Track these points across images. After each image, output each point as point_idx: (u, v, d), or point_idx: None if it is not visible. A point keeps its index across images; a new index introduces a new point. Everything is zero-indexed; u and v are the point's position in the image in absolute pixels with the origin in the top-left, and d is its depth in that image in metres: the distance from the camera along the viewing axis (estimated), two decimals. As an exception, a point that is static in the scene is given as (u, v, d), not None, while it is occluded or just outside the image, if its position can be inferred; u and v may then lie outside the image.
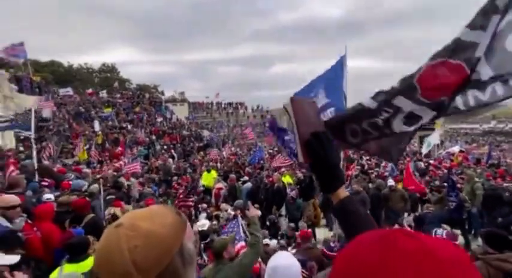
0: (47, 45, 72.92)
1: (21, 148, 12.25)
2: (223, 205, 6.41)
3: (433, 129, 14.77)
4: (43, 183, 5.59)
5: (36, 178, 5.72)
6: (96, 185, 6.28)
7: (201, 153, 19.24)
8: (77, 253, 2.69)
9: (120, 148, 14.36)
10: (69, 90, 22.24)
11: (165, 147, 18.32)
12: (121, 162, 10.33)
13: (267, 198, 7.14)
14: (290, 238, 5.15)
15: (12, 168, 6.14)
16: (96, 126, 17.19)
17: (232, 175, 8.51)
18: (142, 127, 20.60)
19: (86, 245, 2.82)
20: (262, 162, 13.30)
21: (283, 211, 7.23)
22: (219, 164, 13.72)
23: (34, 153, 6.29)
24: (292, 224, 5.70)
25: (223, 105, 34.30)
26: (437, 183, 8.39)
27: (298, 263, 1.74)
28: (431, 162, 13.45)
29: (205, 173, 9.78)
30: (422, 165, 12.45)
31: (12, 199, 3.10)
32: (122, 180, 8.03)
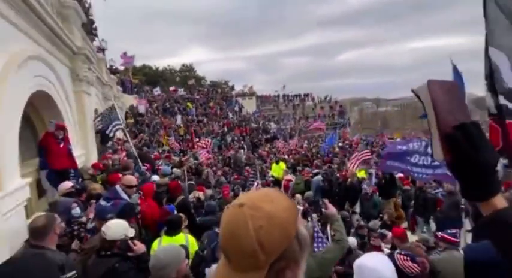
0: (139, 51, 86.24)
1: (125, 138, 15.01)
2: (297, 196, 6.47)
3: None
4: (143, 167, 6.82)
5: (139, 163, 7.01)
6: (178, 170, 7.30)
7: (268, 144, 19.82)
8: (174, 228, 3.22)
9: (197, 139, 16.08)
10: (158, 90, 25.93)
11: (235, 138, 19.61)
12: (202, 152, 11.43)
13: (339, 193, 6.89)
14: (363, 237, 4.91)
15: (123, 153, 7.65)
16: (178, 119, 19.61)
17: (307, 169, 8.51)
18: (216, 120, 22.46)
19: (181, 222, 3.35)
20: (331, 155, 12.85)
21: (357, 208, 6.86)
22: (285, 156, 13.91)
23: (131, 143, 7.61)
24: (362, 223, 5.39)
25: (289, 97, 34.18)
26: None
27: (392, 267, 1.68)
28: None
29: (274, 164, 10.07)
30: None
31: (132, 179, 3.85)
32: (202, 167, 9.05)
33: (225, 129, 20.75)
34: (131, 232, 2.45)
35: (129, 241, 2.36)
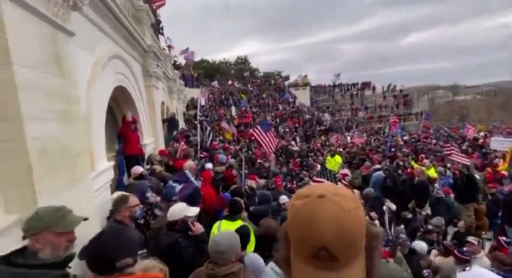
0: (197, 47, 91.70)
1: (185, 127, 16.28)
2: (355, 192, 6.10)
3: None
4: (201, 156, 7.32)
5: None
6: (233, 159, 7.59)
7: (322, 137, 19.11)
8: (236, 212, 3.35)
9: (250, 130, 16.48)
10: (215, 83, 27.35)
11: (287, 130, 19.45)
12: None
13: (404, 192, 6.24)
14: (432, 243, 4.38)
15: (182, 142, 8.36)
16: (233, 110, 20.36)
17: (367, 163, 7.96)
18: (268, 111, 22.60)
19: (241, 206, 3.47)
20: (393, 149, 11.68)
21: (426, 210, 6.09)
22: (340, 149, 13.20)
23: (198, 136, 8.17)
24: (431, 227, 4.78)
25: (346, 87, 32.07)
26: None
27: None
28: None
29: (328, 157, 9.67)
30: None
31: (193, 163, 4.24)
32: (254, 158, 9.26)
33: (277, 120, 20.74)
34: (192, 211, 2.66)
35: (189, 222, 2.56)
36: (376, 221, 4.99)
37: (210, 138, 8.80)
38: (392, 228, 4.27)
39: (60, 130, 2.28)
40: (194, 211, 2.77)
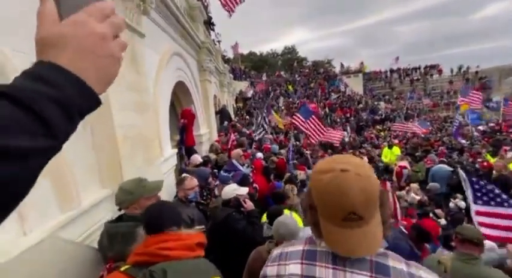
0: (245, 40, 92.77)
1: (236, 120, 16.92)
2: (412, 186, 5.63)
3: None
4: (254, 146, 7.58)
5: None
6: (281, 150, 7.65)
7: (377, 127, 17.78)
8: (279, 201, 3.49)
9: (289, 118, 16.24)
10: (263, 75, 27.62)
11: (338, 120, 18.61)
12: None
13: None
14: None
15: (233, 135, 8.76)
16: (280, 102, 20.34)
17: (431, 155, 7.23)
18: (317, 101, 21.91)
19: (284, 196, 3.58)
20: (464, 140, 10.25)
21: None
22: (396, 140, 12.11)
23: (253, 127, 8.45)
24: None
25: (406, 72, 28.88)
26: None
27: None
28: None
29: (385, 149, 9.01)
30: None
31: (240, 152, 4.50)
32: (303, 149, 9.18)
33: (327, 110, 19.99)
34: (242, 191, 2.90)
35: (241, 200, 2.82)
36: (443, 220, 4.53)
37: (261, 130, 8.97)
38: None
39: (137, 118, 2.67)
40: (244, 190, 3.01)
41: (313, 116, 8.02)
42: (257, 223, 2.71)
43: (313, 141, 8.37)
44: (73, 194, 1.85)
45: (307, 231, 2.26)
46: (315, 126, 7.86)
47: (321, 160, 0.87)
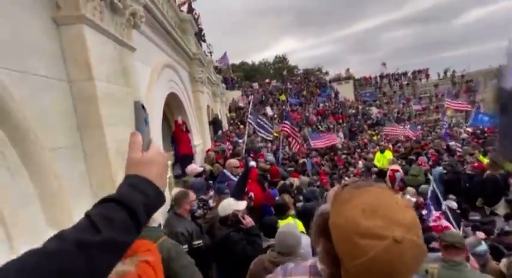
0: (236, 49, 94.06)
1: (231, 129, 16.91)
2: (409, 189, 5.68)
3: None
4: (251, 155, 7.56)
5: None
6: (273, 157, 7.68)
7: (369, 131, 18.04)
8: (281, 212, 3.46)
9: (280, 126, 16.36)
10: (255, 84, 27.87)
11: (330, 126, 18.81)
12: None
13: (471, 188, 5.57)
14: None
15: (228, 143, 8.74)
16: (268, 110, 20.35)
17: (422, 158, 7.32)
18: (309, 108, 22.17)
19: (287, 206, 3.55)
20: (453, 143, 10.45)
21: (499, 209, 5.32)
22: (389, 144, 12.28)
23: (245, 137, 8.47)
24: (508, 228, 4.18)
25: (394, 77, 29.59)
26: None
27: None
28: None
29: (378, 153, 9.12)
30: None
31: (235, 162, 4.51)
32: (296, 155, 9.21)
33: (319, 117, 20.21)
34: (240, 205, 2.79)
35: (239, 215, 2.69)
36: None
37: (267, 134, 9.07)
38: (461, 230, 3.92)
39: (127, 132, 2.65)
40: (242, 205, 2.88)
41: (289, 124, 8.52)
42: (257, 242, 2.58)
43: (300, 147, 8.80)
44: (64, 210, 1.81)
45: (306, 240, 2.23)
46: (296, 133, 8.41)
47: (345, 196, 0.62)
